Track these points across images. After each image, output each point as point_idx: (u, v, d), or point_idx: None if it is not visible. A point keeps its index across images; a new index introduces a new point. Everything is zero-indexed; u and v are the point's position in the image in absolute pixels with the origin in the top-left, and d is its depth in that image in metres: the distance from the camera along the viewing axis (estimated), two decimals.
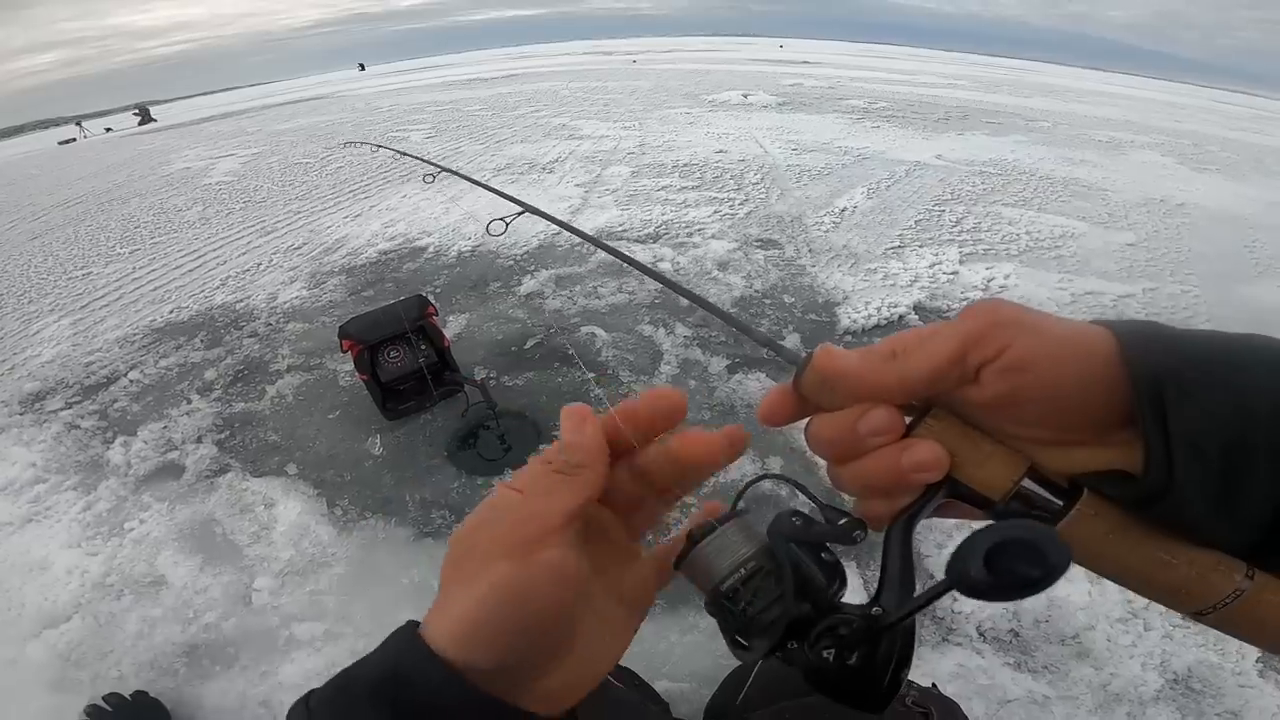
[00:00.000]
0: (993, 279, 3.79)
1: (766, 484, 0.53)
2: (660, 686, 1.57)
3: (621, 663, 1.10)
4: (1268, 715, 1.56)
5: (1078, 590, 1.79)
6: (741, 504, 0.34)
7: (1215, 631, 0.27)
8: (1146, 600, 0.29)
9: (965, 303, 3.55)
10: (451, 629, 0.28)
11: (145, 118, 20.91)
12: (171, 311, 3.91)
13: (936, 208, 5.10)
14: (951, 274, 3.84)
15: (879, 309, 3.32)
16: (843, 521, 0.31)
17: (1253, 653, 1.68)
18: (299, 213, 5.79)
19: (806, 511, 0.32)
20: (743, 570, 0.31)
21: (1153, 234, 4.78)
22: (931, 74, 18.67)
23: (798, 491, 0.36)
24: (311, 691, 0.30)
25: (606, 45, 46.00)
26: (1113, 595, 1.79)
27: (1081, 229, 4.76)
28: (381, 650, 0.30)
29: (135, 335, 3.63)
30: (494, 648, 0.28)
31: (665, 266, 3.89)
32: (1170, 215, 5.30)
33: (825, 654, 0.28)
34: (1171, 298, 3.72)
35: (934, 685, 0.82)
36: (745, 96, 11.43)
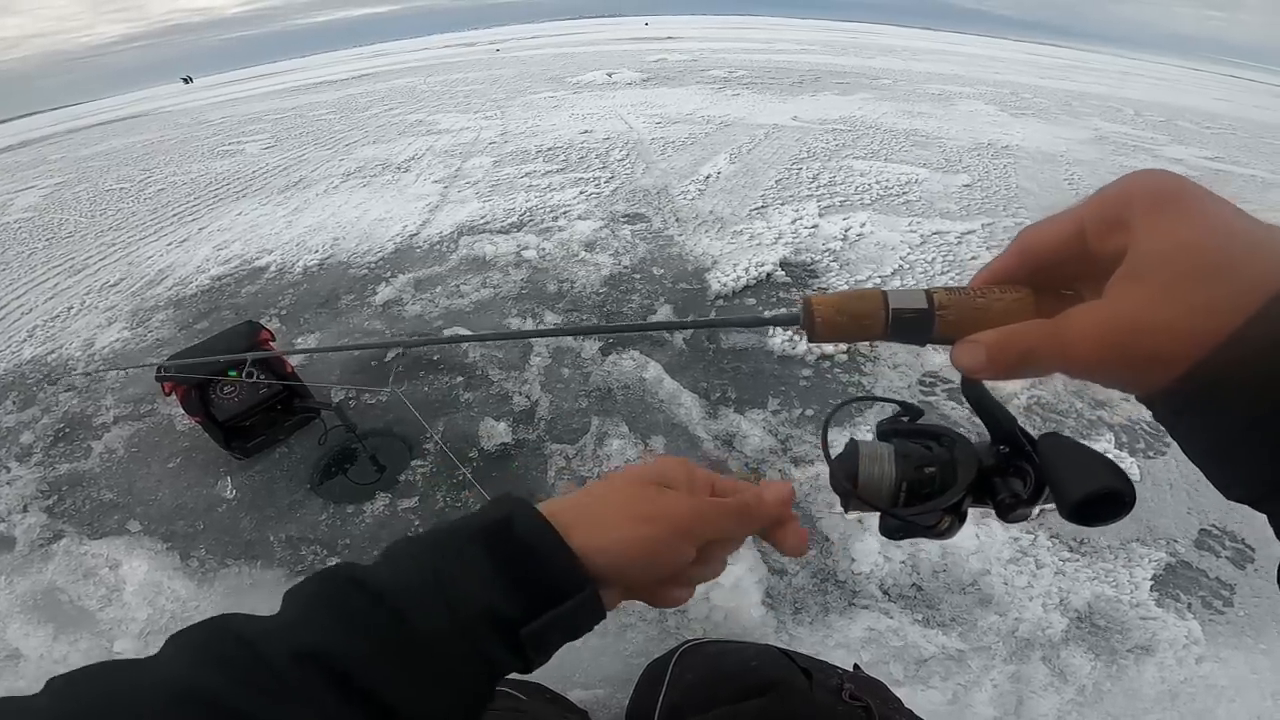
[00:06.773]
0: (850, 228, 3.97)
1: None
2: (574, 696, 1.50)
3: (530, 678, 1.02)
4: (1179, 647, 1.56)
5: (964, 535, 1.79)
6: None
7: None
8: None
9: (828, 253, 3.72)
10: (601, 542, 0.36)
11: None
12: None
13: (795, 166, 5.29)
14: (812, 227, 3.98)
15: (747, 269, 3.37)
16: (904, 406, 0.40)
17: (1145, 581, 1.71)
18: (114, 245, 5.07)
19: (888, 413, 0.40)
20: (901, 473, 0.36)
21: (985, 175, 5.23)
22: (786, 41, 19.54)
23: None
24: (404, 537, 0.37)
25: (469, 36, 44.26)
26: (999, 536, 1.79)
27: (924, 175, 5.11)
28: (490, 507, 0.38)
29: None
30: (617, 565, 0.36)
31: (530, 255, 3.74)
32: (998, 157, 5.84)
33: (1018, 487, 0.34)
34: (1006, 230, 4.06)
35: (856, 666, 0.79)
36: (610, 76, 11.37)
